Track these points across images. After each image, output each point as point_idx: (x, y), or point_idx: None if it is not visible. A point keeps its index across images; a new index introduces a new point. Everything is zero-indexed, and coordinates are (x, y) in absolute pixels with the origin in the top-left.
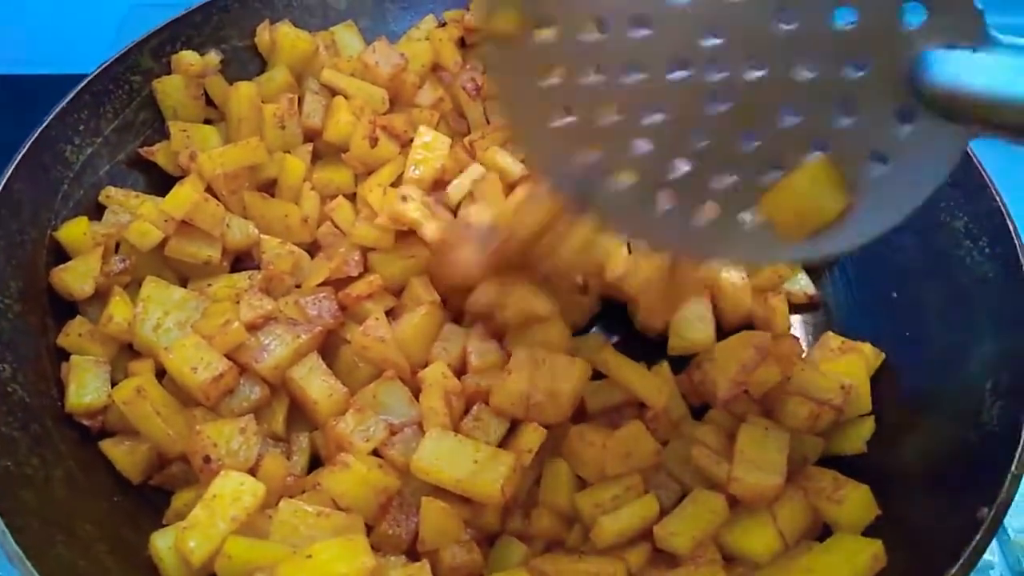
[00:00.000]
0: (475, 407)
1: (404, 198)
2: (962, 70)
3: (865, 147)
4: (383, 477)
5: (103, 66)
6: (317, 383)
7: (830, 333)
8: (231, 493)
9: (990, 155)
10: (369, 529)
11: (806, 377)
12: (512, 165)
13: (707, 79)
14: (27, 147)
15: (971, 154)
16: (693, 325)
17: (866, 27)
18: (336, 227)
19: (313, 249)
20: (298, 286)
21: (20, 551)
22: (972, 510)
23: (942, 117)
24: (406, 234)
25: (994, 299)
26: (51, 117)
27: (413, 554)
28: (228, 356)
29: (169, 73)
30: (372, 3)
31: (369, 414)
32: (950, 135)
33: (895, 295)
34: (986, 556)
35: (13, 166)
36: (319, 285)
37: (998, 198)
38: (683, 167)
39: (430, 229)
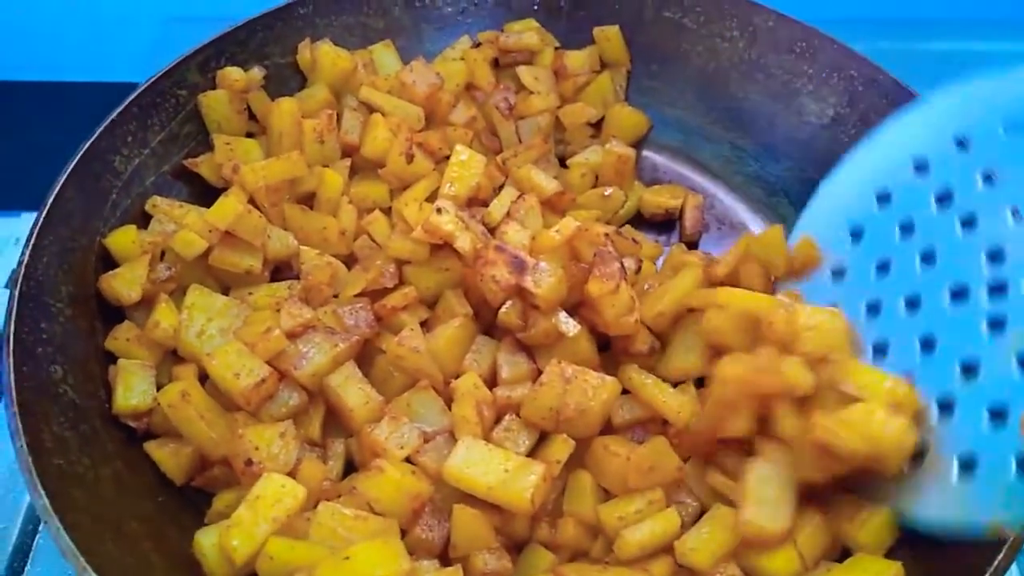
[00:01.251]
0: (506, 418)
1: (439, 211)
2: None
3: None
4: (416, 483)
5: (151, 80)
6: (353, 391)
7: None
8: (273, 495)
9: None
10: (403, 533)
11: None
12: (546, 182)
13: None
14: (79, 157)
15: None
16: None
17: None
18: (372, 240)
19: (350, 261)
20: (335, 296)
21: (74, 547)
22: None
23: None
24: (440, 247)
25: None
26: (101, 129)
27: (445, 559)
28: (268, 363)
29: (214, 87)
30: (409, 23)
31: (403, 421)
32: None
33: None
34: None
35: (65, 176)
36: (356, 296)
37: None
38: None
39: (464, 241)
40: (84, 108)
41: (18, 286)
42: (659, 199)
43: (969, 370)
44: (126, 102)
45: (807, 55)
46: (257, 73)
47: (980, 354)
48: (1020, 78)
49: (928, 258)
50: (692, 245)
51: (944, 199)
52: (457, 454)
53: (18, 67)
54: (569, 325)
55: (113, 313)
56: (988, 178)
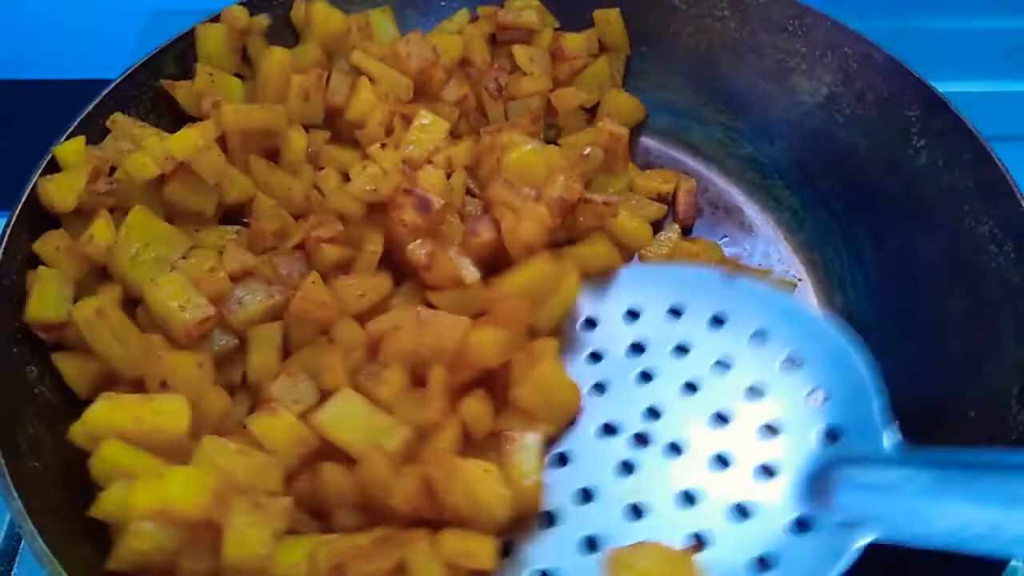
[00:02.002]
0: (368, 365)
1: (383, 145)
2: (872, 488)
3: (752, 552)
4: (306, 430)
5: (127, 72)
6: (261, 348)
7: None
8: (158, 407)
9: (1016, 161)
10: (288, 483)
11: None
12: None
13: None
14: (51, 155)
15: (996, 160)
16: None
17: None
18: (321, 194)
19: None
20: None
21: (48, 551)
22: None
23: (843, 526)
24: (377, 207)
25: (1019, 305)
26: (76, 123)
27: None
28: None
29: (190, 79)
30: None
31: (300, 378)
32: (845, 539)
33: (919, 301)
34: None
35: (39, 172)
36: (295, 248)
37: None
38: None
39: (385, 189)
40: (66, 105)
41: None
42: (651, 184)
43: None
44: (101, 95)
45: (800, 33)
46: (263, 19)
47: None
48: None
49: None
50: (687, 230)
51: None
52: (328, 409)
53: (1, 66)
54: (469, 271)
55: None
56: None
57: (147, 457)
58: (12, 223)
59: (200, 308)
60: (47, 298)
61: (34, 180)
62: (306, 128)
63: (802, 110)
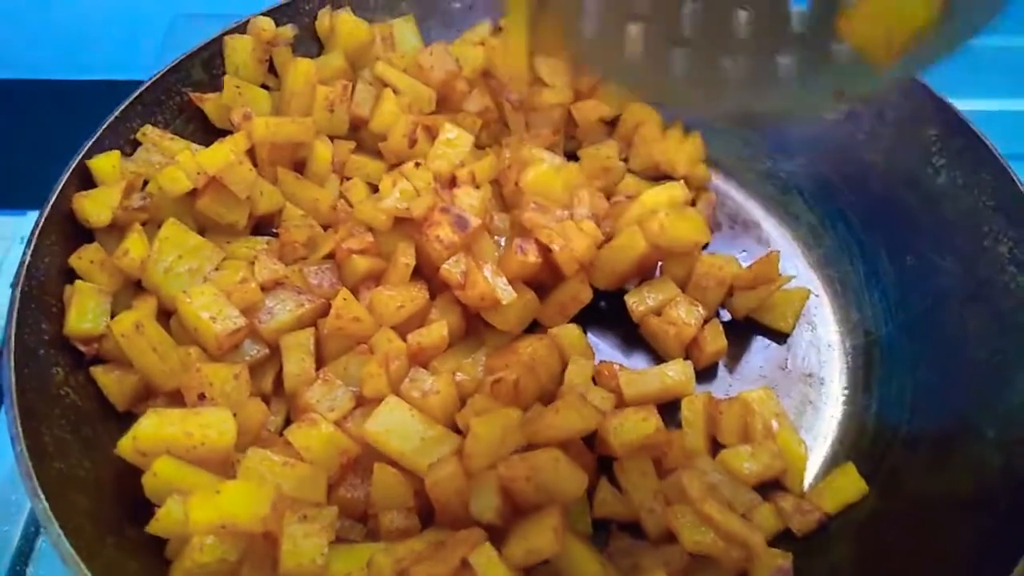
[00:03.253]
0: (411, 371)
1: (417, 164)
2: None
3: None
4: (345, 439)
5: (155, 77)
6: (295, 357)
7: None
8: (205, 420)
9: None
10: (330, 491)
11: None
12: (548, 157)
13: None
14: (78, 158)
15: (1015, 179)
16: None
17: None
18: (349, 204)
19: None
20: (304, 259)
21: (75, 553)
22: (1017, 534)
23: None
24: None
25: None
26: (104, 127)
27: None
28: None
29: (219, 85)
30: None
31: (336, 385)
32: None
33: (937, 319)
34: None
35: (67, 174)
36: (324, 258)
37: None
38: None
39: (418, 207)
40: (93, 106)
41: (19, 286)
42: None
43: None
44: (129, 99)
45: None
46: (289, 30)
47: None
48: None
49: None
50: (704, 245)
51: None
52: (378, 417)
53: (26, 66)
54: (506, 292)
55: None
56: None
57: (200, 472)
58: (40, 227)
59: (231, 319)
60: (85, 311)
61: (61, 184)
62: (331, 138)
63: (823, 126)
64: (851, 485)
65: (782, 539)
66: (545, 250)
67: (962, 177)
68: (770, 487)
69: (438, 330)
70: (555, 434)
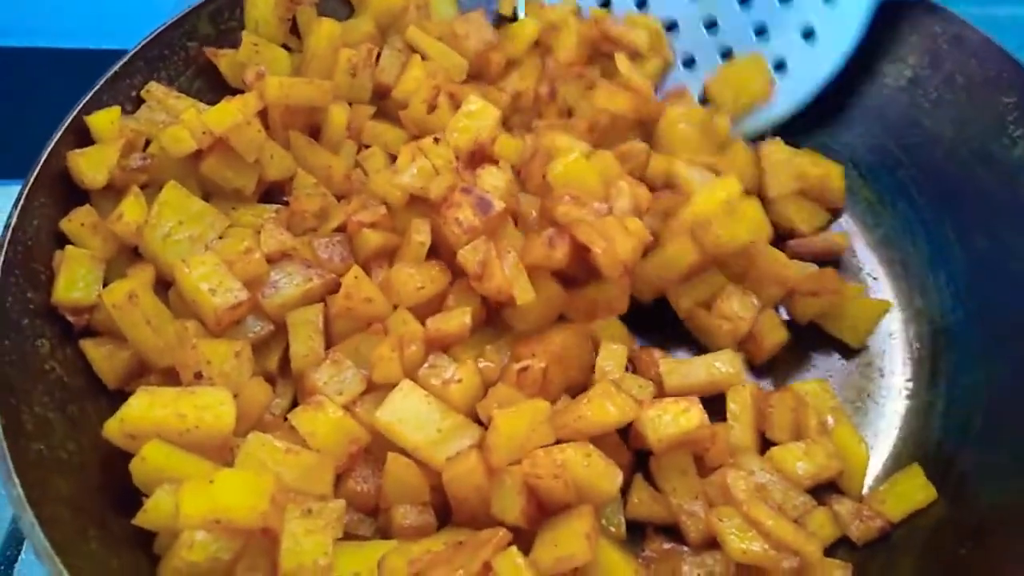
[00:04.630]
0: (431, 356)
1: (436, 140)
2: None
3: (798, 26)
4: (355, 426)
5: (158, 30)
6: (302, 335)
7: None
8: (201, 401)
9: None
10: (337, 482)
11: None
12: (569, 143)
13: None
14: (73, 114)
15: None
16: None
17: None
18: (365, 174)
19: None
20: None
21: (49, 546)
22: None
23: None
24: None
25: None
26: (101, 83)
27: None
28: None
29: (226, 41)
30: None
31: (346, 365)
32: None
33: (1011, 306)
34: None
35: (59, 133)
36: (335, 230)
37: None
38: None
39: (437, 187)
40: (94, 75)
41: (3, 251)
42: None
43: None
44: (130, 54)
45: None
46: None
47: None
48: None
49: None
50: None
51: None
52: (390, 404)
53: (30, 32)
54: (525, 291)
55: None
56: None
57: (194, 459)
58: (29, 187)
59: (232, 292)
60: (75, 280)
61: (52, 144)
62: (349, 104)
63: (883, 93)
64: (918, 490)
65: (838, 548)
66: (580, 248)
67: None
68: (825, 490)
69: (460, 317)
70: (586, 427)
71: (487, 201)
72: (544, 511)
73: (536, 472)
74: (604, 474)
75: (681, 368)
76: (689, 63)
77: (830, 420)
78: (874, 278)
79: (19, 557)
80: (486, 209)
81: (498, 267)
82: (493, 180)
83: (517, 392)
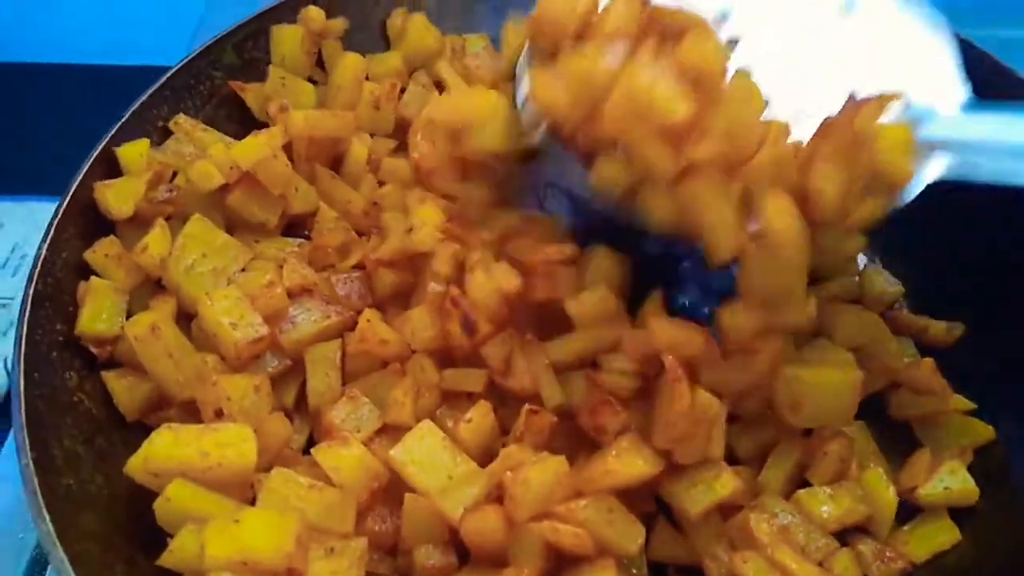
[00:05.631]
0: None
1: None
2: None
3: None
4: (376, 463)
5: (184, 61)
6: (320, 372)
7: None
8: (222, 438)
9: None
10: (358, 521)
11: None
12: None
13: None
14: (102, 145)
15: None
16: None
17: None
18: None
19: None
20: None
21: None
22: None
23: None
24: None
25: None
26: (129, 113)
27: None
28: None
29: (251, 69)
30: None
31: (363, 402)
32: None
33: None
34: None
35: (89, 163)
36: (353, 268)
37: None
38: None
39: (441, 264)
40: (120, 91)
41: (33, 283)
42: None
43: None
44: (157, 84)
45: None
46: (340, 23)
47: None
48: None
49: None
50: None
51: None
52: (405, 444)
53: (57, 49)
54: (555, 394)
55: None
56: None
57: (217, 498)
58: (58, 219)
59: (253, 327)
60: (99, 311)
61: (83, 172)
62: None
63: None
64: (942, 531)
65: None
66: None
67: None
68: (852, 530)
69: (477, 377)
70: (614, 482)
71: (470, 321)
72: (563, 562)
73: (558, 536)
74: (626, 533)
75: None
76: None
77: (872, 466)
78: None
79: None
80: (470, 330)
81: (524, 366)
82: (481, 295)
83: (527, 450)
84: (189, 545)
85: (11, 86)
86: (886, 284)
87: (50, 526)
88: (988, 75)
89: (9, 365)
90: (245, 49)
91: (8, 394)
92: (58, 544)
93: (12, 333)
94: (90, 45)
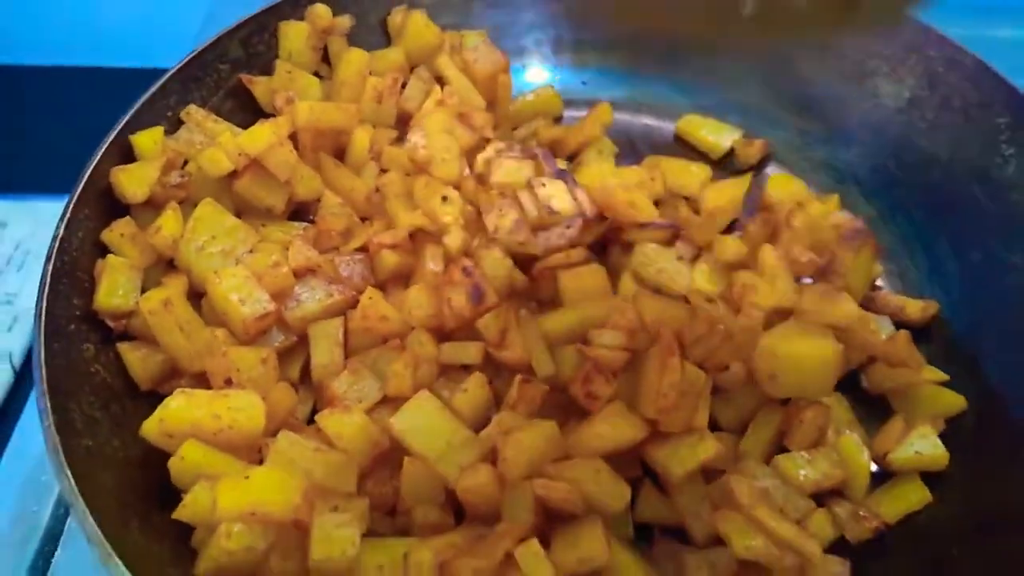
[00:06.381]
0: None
1: (444, 199)
2: None
3: None
4: (377, 431)
5: (192, 54)
6: (323, 347)
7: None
8: (234, 403)
9: None
10: (359, 484)
11: None
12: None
13: None
14: (115, 132)
15: None
16: None
17: None
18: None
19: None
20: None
21: (100, 532)
22: None
23: None
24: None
25: None
26: (140, 103)
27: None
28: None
29: (257, 63)
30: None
31: (364, 375)
32: None
33: (1005, 316)
34: None
35: (102, 150)
36: (358, 250)
37: None
38: None
39: (454, 239)
40: (129, 93)
41: (52, 261)
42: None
43: None
44: (166, 76)
45: (883, 35)
46: (347, 20)
47: None
48: None
49: None
50: None
51: None
52: (404, 412)
53: (62, 52)
54: (546, 365)
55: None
56: None
57: (228, 458)
58: (73, 202)
59: (260, 304)
60: (115, 287)
61: (96, 159)
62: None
63: (882, 114)
64: (913, 493)
65: (842, 548)
66: None
67: None
68: (829, 493)
69: (475, 349)
70: (601, 445)
71: (480, 291)
72: (552, 519)
73: (548, 492)
74: (612, 492)
75: None
76: None
77: (848, 433)
78: (879, 287)
79: (56, 553)
80: (478, 299)
81: (518, 338)
82: (495, 269)
83: (519, 416)
84: (202, 499)
85: (16, 87)
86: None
87: (72, 481)
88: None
89: (14, 360)
90: (250, 44)
91: (12, 388)
92: (79, 497)
93: (17, 328)
94: (94, 48)
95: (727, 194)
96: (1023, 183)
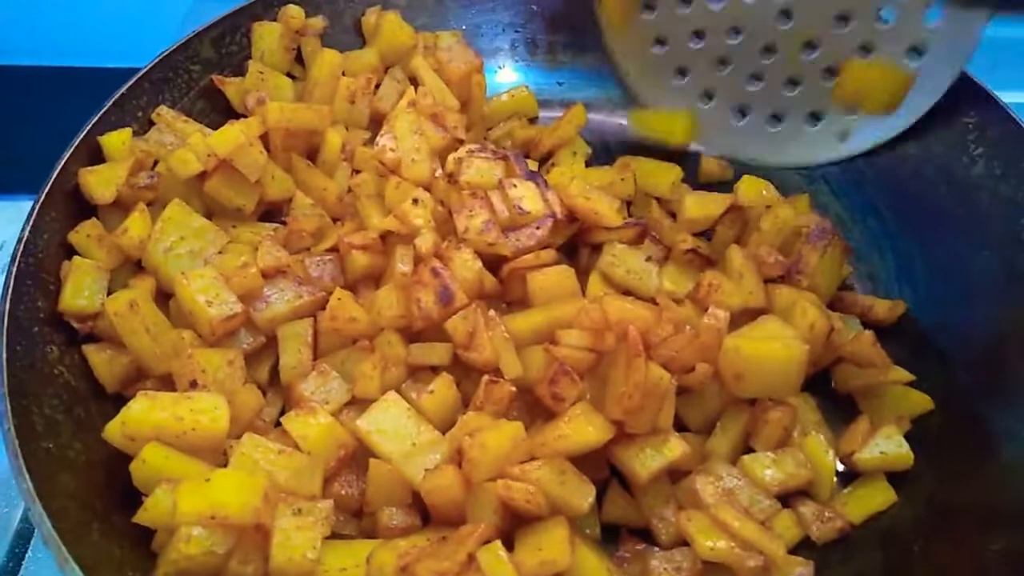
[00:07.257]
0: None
1: (415, 201)
2: None
3: (904, 44)
4: (343, 433)
5: (163, 54)
6: (291, 348)
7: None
8: (197, 405)
9: None
10: (325, 485)
11: None
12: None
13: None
14: (84, 133)
15: None
16: None
17: None
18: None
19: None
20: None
21: (56, 535)
22: None
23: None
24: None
25: None
26: (109, 104)
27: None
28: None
29: (228, 64)
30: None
31: (332, 376)
32: (971, 21)
33: (971, 314)
34: None
35: (70, 151)
36: (328, 250)
37: None
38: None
39: (424, 241)
40: (102, 93)
41: (16, 262)
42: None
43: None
44: (136, 77)
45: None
46: (320, 21)
47: None
48: None
49: None
50: None
51: None
52: (371, 414)
53: (41, 52)
54: (513, 367)
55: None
56: None
57: (190, 460)
58: (40, 203)
59: (227, 305)
60: (81, 289)
61: (64, 160)
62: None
63: None
64: (879, 493)
65: (806, 548)
66: None
67: (1000, 167)
68: (796, 494)
69: (442, 351)
70: (566, 447)
71: (449, 292)
72: (519, 520)
73: (510, 493)
74: (577, 492)
75: None
76: (792, 83)
77: (814, 433)
78: (851, 285)
79: (26, 554)
80: (447, 300)
81: (486, 340)
82: (464, 270)
83: (485, 417)
84: (163, 503)
85: None
86: None
87: (30, 484)
88: None
89: None
90: (222, 44)
91: None
92: (37, 500)
93: None
94: (74, 48)
95: (707, 209)
96: (990, 182)
